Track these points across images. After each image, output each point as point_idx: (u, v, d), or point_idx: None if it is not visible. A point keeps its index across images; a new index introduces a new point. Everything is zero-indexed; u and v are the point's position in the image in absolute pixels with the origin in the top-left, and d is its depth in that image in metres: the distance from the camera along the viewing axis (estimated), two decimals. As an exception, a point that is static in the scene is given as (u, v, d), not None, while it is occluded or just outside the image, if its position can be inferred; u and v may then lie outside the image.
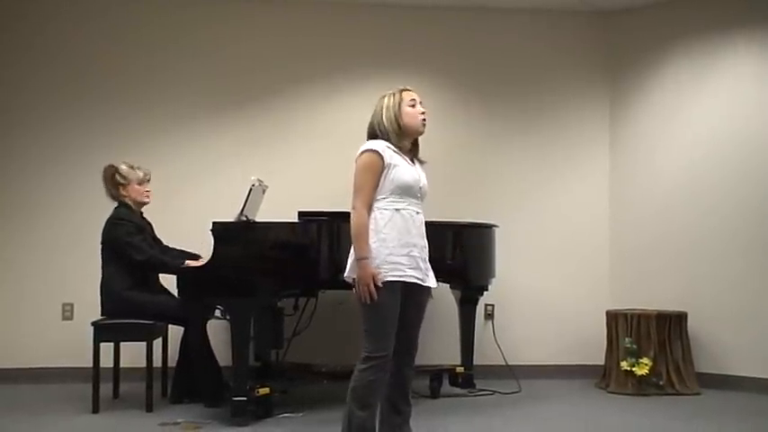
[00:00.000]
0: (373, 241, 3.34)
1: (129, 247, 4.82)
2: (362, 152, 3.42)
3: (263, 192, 5.02)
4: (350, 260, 3.42)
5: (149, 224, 5.15)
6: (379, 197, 3.39)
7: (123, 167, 4.99)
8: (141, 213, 5.12)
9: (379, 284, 3.29)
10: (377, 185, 3.38)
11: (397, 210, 3.39)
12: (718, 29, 5.79)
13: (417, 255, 3.42)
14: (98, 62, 5.98)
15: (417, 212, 3.47)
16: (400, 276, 3.36)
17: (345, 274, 3.44)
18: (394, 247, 3.35)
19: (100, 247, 4.94)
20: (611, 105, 6.26)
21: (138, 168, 5.02)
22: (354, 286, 3.36)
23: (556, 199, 6.21)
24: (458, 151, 6.17)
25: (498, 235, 5.54)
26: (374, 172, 3.37)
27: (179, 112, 6.03)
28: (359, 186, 3.39)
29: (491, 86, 6.23)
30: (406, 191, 3.41)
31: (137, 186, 5.00)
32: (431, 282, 3.53)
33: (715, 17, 5.79)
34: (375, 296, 3.29)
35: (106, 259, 4.92)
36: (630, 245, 6.11)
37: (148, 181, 5.07)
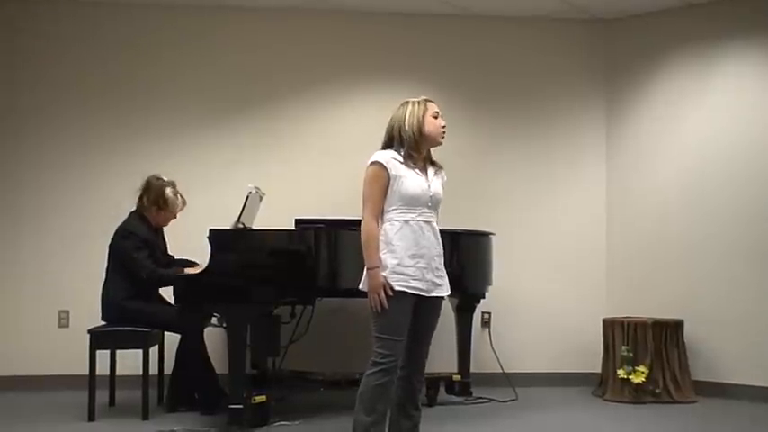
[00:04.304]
0: (383, 252, 3.42)
1: (134, 262, 4.83)
2: (369, 164, 3.49)
3: (261, 199, 5.02)
4: (365, 272, 3.48)
5: (162, 235, 5.15)
6: (388, 208, 3.47)
7: (170, 195, 4.97)
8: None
9: (390, 293, 3.37)
10: (384, 197, 3.46)
11: (406, 221, 3.46)
12: (716, 36, 5.79)
13: (424, 266, 3.47)
14: (101, 69, 5.98)
15: (428, 222, 3.52)
16: (406, 287, 3.42)
17: (359, 286, 3.50)
18: (403, 257, 3.42)
19: (107, 250, 4.94)
20: (609, 113, 6.27)
21: (179, 198, 5.01)
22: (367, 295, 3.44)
23: (553, 206, 6.22)
24: (455, 159, 6.09)
25: (495, 243, 5.54)
26: (380, 184, 3.45)
27: (181, 119, 6.03)
28: (366, 198, 3.48)
29: (488, 95, 6.23)
30: (414, 201, 3.47)
31: (168, 215, 5.03)
32: (440, 291, 3.55)
33: (714, 25, 5.79)
34: (386, 305, 3.36)
35: (111, 265, 4.93)
36: (627, 253, 6.11)
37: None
